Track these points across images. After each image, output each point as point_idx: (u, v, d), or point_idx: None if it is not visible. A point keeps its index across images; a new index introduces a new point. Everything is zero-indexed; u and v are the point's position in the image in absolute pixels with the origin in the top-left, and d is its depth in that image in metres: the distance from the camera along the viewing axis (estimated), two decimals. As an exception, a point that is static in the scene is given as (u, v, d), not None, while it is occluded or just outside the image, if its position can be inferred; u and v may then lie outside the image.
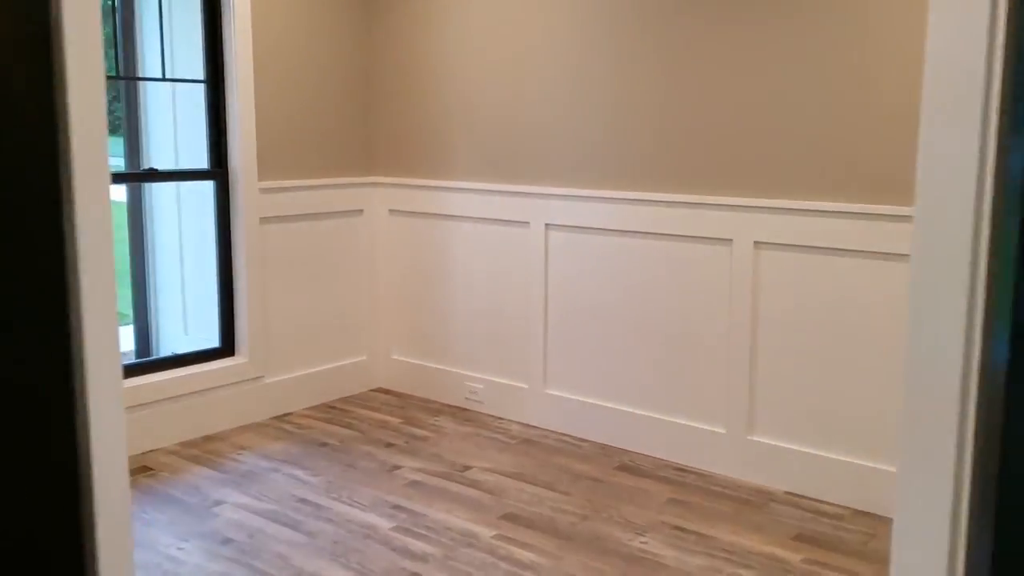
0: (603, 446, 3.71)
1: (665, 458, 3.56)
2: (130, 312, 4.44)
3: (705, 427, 3.44)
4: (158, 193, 4.22)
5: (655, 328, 3.53)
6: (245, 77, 3.78)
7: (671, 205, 3.41)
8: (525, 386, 3.97)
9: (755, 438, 3.33)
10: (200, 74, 3.84)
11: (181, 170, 3.98)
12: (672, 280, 3.46)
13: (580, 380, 3.79)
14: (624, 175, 3.54)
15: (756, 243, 3.23)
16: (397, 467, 3.48)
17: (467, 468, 3.46)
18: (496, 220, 3.96)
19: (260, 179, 3.89)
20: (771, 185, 3.19)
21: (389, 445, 3.71)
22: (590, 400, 3.77)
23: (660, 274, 3.49)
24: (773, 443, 3.29)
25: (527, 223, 3.85)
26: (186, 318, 4.36)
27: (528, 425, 3.95)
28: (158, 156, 4.20)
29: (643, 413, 3.61)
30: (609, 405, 3.70)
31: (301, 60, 4.00)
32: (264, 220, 3.93)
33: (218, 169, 3.85)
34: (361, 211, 4.33)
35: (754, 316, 3.27)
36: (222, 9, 3.76)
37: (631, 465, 3.51)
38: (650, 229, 3.48)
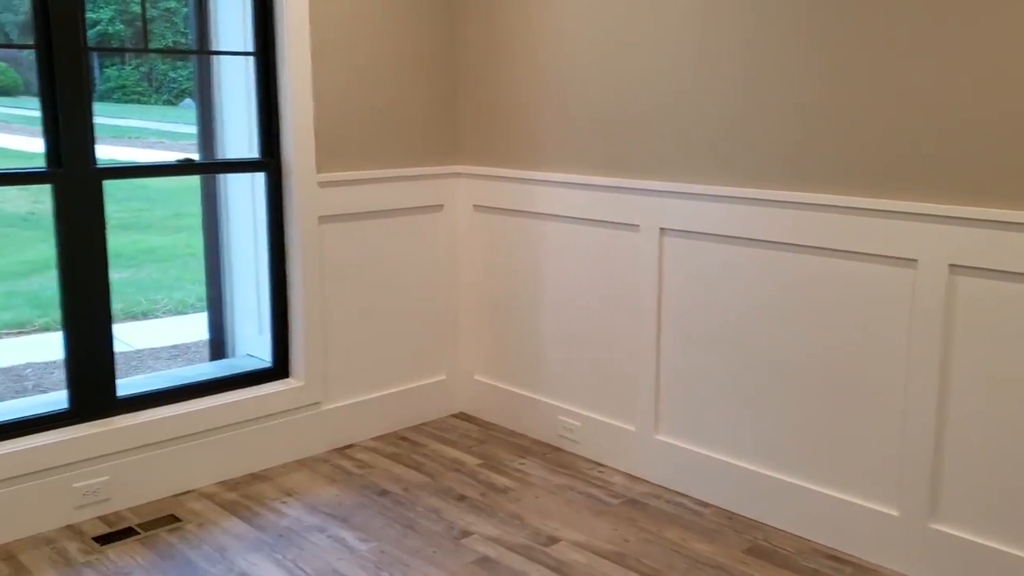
0: (730, 515, 2.92)
1: (813, 539, 2.74)
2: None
3: (870, 506, 2.61)
4: (233, 176, 3.63)
5: (806, 369, 2.71)
6: (299, 48, 3.14)
7: (832, 210, 2.57)
8: (631, 428, 3.21)
9: (938, 527, 2.47)
10: (250, 45, 3.22)
11: (225, 160, 3.39)
12: (830, 308, 2.63)
13: (701, 427, 3.01)
14: (765, 169, 2.72)
15: (951, 266, 2.36)
16: (467, 533, 2.79)
17: (554, 541, 2.75)
18: (599, 221, 3.20)
19: (319, 171, 3.26)
20: (976, 187, 2.31)
21: (461, 498, 3.03)
22: (714, 454, 2.98)
23: (815, 300, 2.66)
24: (964, 536, 2.43)
25: (636, 226, 3.07)
26: (261, 318, 3.81)
27: (634, 477, 3.20)
28: (234, 139, 3.63)
29: (785, 478, 2.80)
30: (739, 463, 2.91)
31: (370, 29, 3.33)
32: (324, 219, 3.30)
33: (270, 159, 3.24)
34: (440, 207, 3.65)
35: (944, 363, 2.41)
36: (273, -34, 3.13)
37: (766, 547, 2.71)
38: (802, 240, 2.65)
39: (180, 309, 7.00)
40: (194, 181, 3.71)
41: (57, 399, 3.02)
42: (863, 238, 2.51)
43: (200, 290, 7.00)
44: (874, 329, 2.53)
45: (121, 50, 14.26)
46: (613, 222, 3.14)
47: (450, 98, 3.61)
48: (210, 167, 3.43)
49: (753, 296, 2.80)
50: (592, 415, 3.33)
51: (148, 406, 3.03)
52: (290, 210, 3.25)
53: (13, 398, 4.75)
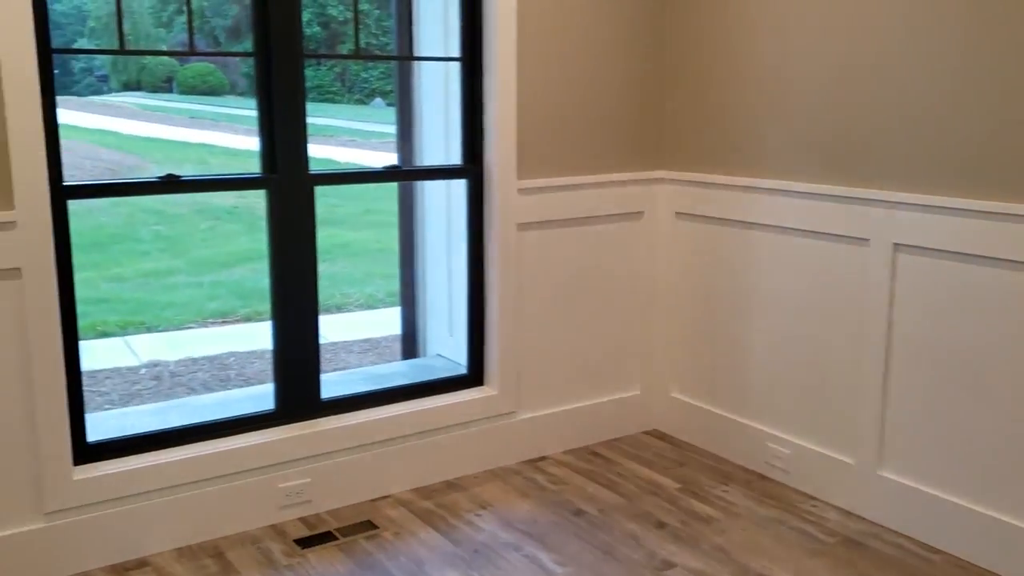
0: (963, 564, 2.61)
1: (1069, 604, 2.40)
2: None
3: None
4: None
5: (1064, 411, 2.37)
6: (506, 53, 3.06)
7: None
8: (850, 461, 2.94)
9: None
10: (452, 49, 3.19)
11: (428, 167, 3.38)
12: (1101, 344, 2.28)
13: (933, 464, 2.71)
14: (1026, 181, 2.39)
15: None
16: (669, 564, 2.63)
17: (765, 581, 2.55)
18: (821, 234, 2.94)
19: (519, 177, 3.18)
20: None
21: (660, 525, 2.87)
22: (946, 495, 2.67)
23: (1080, 333, 2.32)
24: None
25: (866, 240, 2.80)
26: (451, 320, 3.81)
27: (852, 514, 2.93)
28: (431, 141, 3.65)
29: (1035, 531, 2.47)
30: (976, 507, 2.59)
31: (576, 32, 3.21)
32: (522, 226, 3.22)
33: (471, 165, 3.19)
34: (640, 214, 3.49)
35: None
36: (481, -32, 3.07)
37: (1013, 609, 2.40)
38: (1067, 264, 2.32)
39: (370, 303, 7.20)
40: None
41: (260, 392, 3.10)
42: None
43: (389, 285, 7.19)
44: None
45: (333, 56, 14.98)
46: (838, 235, 2.88)
47: (655, 100, 3.45)
48: (414, 174, 3.43)
49: (1002, 323, 2.48)
50: (804, 444, 3.08)
51: (349, 409, 3.05)
52: (489, 217, 3.19)
53: (219, 387, 5.00)
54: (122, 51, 2.67)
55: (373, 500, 3.04)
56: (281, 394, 2.94)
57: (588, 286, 3.43)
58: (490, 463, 3.30)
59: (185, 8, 2.79)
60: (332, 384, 3.20)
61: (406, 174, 3.39)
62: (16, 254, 2.37)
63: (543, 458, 3.39)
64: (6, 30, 2.27)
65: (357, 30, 3.05)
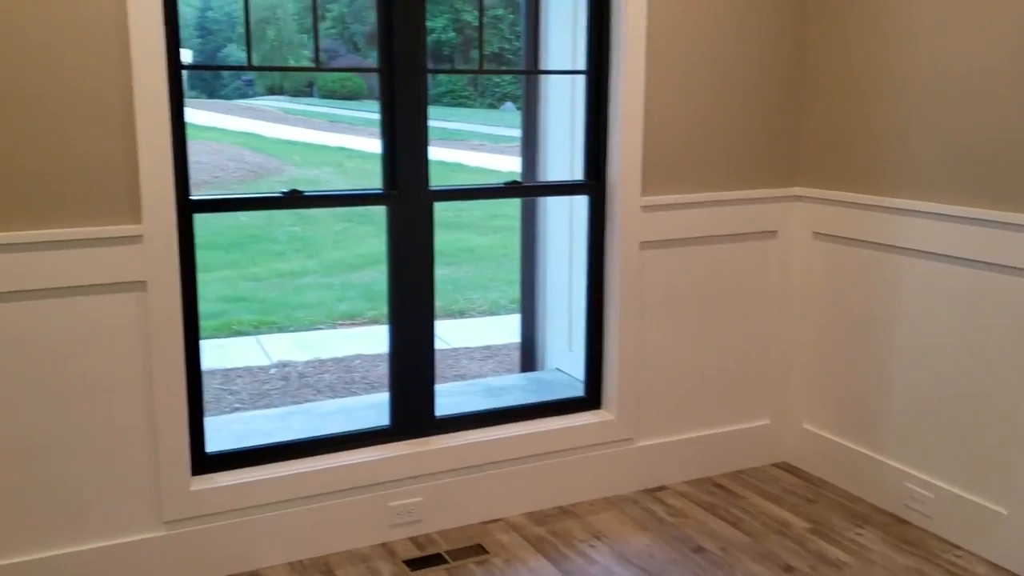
0: None
1: None
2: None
3: None
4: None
5: None
6: (634, 66, 2.93)
7: None
8: (1002, 510, 2.67)
9: None
10: (579, 59, 3.08)
11: (549, 183, 3.28)
12: None
13: (1103, 526, 2.42)
14: None
15: None
16: (794, 615, 2.45)
17: (901, 643, 2.33)
18: (975, 262, 2.68)
19: (644, 193, 3.05)
20: None
21: (788, 568, 2.68)
22: (1119, 561, 2.38)
23: None
24: None
25: (1027, 271, 2.54)
26: (571, 333, 3.73)
27: (1002, 569, 2.66)
28: (556, 150, 3.57)
29: None
30: None
31: (708, 44, 3.05)
32: (645, 245, 3.09)
33: (594, 181, 3.07)
34: (774, 233, 3.29)
35: None
36: (610, -23, 2.95)
37: None
38: None
39: (493, 309, 7.19)
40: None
41: (380, 400, 3.08)
42: None
43: (512, 292, 7.16)
44: None
45: (456, 71, 15.16)
46: (993, 263, 2.62)
47: (793, 113, 3.24)
48: (534, 190, 3.35)
49: None
50: (949, 487, 2.82)
51: (463, 428, 3.00)
52: (611, 235, 3.07)
53: (344, 389, 5.08)
54: (249, 67, 2.70)
55: (484, 523, 2.97)
56: (396, 410, 2.92)
57: (715, 308, 3.26)
58: (606, 490, 3.18)
59: (327, 15, 2.83)
60: (449, 396, 3.16)
61: (526, 190, 3.32)
62: (142, 267, 2.42)
63: (662, 488, 3.25)
64: (139, 52, 2.32)
65: (481, 43, 2.99)
